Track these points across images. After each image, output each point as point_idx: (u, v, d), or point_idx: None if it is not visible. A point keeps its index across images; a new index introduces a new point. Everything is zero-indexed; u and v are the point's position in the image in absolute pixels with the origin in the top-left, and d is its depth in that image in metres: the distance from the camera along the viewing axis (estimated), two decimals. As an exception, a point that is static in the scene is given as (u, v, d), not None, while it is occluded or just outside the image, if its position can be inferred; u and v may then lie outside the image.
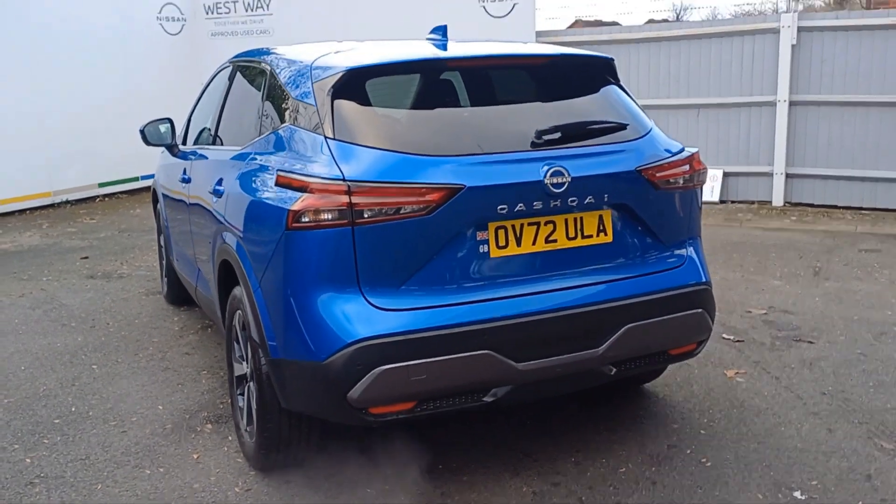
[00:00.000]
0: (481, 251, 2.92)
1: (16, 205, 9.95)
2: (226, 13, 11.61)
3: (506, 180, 2.88)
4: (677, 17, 44.00)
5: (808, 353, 4.62)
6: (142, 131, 4.98)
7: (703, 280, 3.37)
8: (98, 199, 10.85)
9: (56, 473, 3.46)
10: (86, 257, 7.61)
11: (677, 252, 3.33)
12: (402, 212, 2.79)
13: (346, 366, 2.77)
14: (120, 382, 4.46)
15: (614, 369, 3.17)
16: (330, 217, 2.76)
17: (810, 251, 7.01)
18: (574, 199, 2.98)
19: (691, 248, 3.41)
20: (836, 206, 8.79)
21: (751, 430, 3.70)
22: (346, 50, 3.40)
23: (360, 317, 2.80)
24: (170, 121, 5.05)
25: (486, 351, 2.86)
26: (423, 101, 3.17)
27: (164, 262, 5.90)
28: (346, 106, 3.01)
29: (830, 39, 8.55)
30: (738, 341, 4.83)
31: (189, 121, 5.10)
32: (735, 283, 6.08)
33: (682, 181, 3.31)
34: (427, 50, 3.39)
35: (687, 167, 3.32)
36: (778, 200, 9.06)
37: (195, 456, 3.58)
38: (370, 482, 3.27)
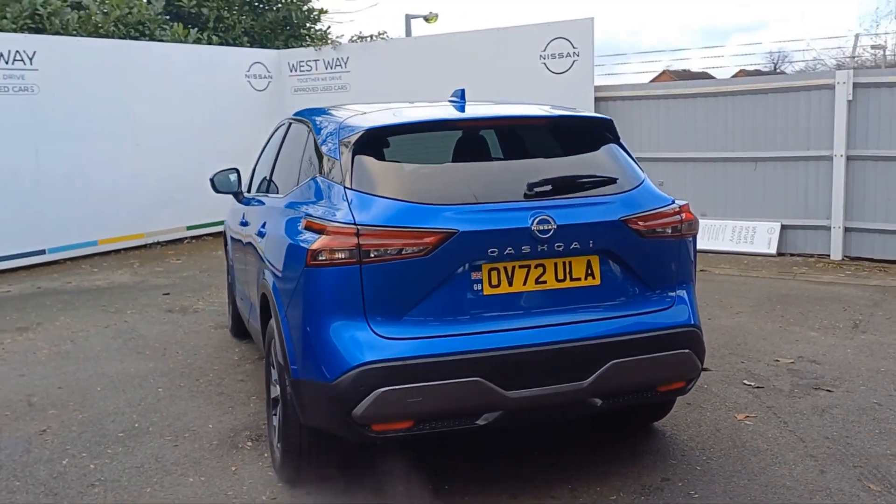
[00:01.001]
0: (476, 289, 3.30)
1: (112, 245, 10.88)
2: (307, 70, 12.46)
3: (496, 226, 3.27)
4: (774, 67, 43.50)
5: (824, 400, 4.75)
6: (211, 180, 5.57)
7: (691, 322, 3.63)
8: (185, 241, 11.71)
9: (113, 478, 3.96)
10: (167, 293, 8.32)
11: (666, 295, 3.62)
12: (403, 252, 3.21)
13: (351, 386, 3.17)
14: (179, 403, 4.98)
15: (601, 402, 3.46)
16: (342, 256, 3.20)
17: (856, 305, 7.05)
18: (560, 244, 3.33)
19: (681, 292, 3.68)
20: (894, 262, 8.73)
21: (745, 467, 3.89)
22: (372, 112, 3.88)
23: (366, 343, 3.21)
24: (237, 170, 5.63)
25: (476, 378, 3.22)
26: (430, 156, 3.61)
27: (230, 299, 6.48)
28: (364, 160, 3.47)
29: (887, 95, 8.60)
30: (757, 387, 5.00)
31: (253, 170, 5.69)
32: (770, 333, 6.21)
33: (670, 231, 3.62)
34: (441, 112, 3.84)
35: (675, 218, 3.62)
36: (836, 254, 9.06)
37: (234, 468, 4.03)
38: (382, 498, 3.62)
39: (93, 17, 11.29)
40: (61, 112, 10.14)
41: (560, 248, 3.34)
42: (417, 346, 3.22)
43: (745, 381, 5.10)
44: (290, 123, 4.93)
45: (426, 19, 14.29)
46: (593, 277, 3.45)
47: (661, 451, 4.11)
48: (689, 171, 9.92)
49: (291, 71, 12.65)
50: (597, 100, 10.20)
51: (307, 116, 4.49)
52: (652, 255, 3.58)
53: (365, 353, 3.20)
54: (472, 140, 3.78)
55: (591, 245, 3.40)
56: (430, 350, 3.22)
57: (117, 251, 10.90)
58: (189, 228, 11.78)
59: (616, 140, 3.86)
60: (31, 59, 9.84)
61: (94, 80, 10.44)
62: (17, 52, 9.73)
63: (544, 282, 3.38)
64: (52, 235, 10.22)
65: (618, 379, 3.43)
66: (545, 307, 3.39)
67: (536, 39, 10.37)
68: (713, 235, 9.64)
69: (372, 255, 3.20)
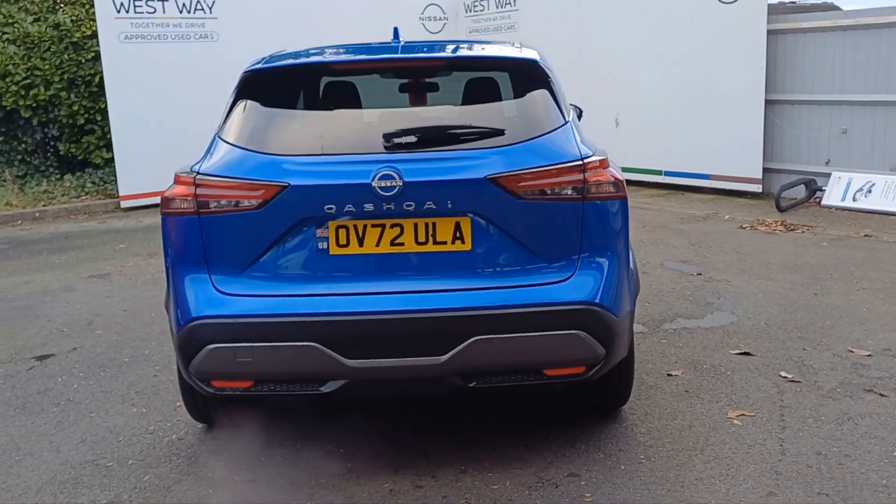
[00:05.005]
0: (321, 248, 3.05)
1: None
2: (480, 10, 12.20)
3: (332, 181, 2.97)
4: None
5: (864, 406, 3.83)
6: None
7: (590, 300, 3.06)
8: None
9: (79, 399, 4.29)
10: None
11: (561, 268, 3.08)
12: (238, 205, 3.05)
13: (186, 340, 3.10)
14: (198, 337, 5.24)
15: (472, 381, 3.07)
16: (183, 206, 3.11)
17: None
18: (410, 203, 2.96)
19: (588, 265, 3.11)
20: None
21: (678, 476, 3.27)
22: (281, 53, 3.66)
23: (204, 298, 3.11)
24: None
25: (312, 343, 3.00)
26: (296, 103, 3.35)
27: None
28: (239, 106, 3.31)
29: None
30: (792, 381, 4.16)
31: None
32: (878, 317, 5.10)
33: (570, 191, 3.05)
34: (330, 55, 3.49)
35: (573, 178, 3.04)
36: None
37: (178, 404, 4.15)
38: (267, 451, 3.54)
39: (277, -34, 11.89)
40: (239, 57, 10.81)
41: (411, 209, 2.97)
42: (254, 304, 3.07)
43: (783, 373, 4.26)
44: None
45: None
46: (462, 242, 3.04)
47: (598, 444, 3.57)
48: (880, 117, 8.36)
49: (467, 12, 12.46)
50: (770, 33, 8.87)
51: None
52: (540, 221, 3.05)
53: (201, 307, 3.10)
54: (355, 85, 3.44)
55: (449, 206, 2.98)
56: (266, 310, 3.05)
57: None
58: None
59: (542, 83, 3.30)
60: (210, 9, 10.67)
61: (269, 26, 11.01)
62: (198, 2, 10.59)
63: (402, 244, 3.04)
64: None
65: (482, 357, 3.01)
66: (401, 272, 3.06)
67: (706, -34, 9.21)
68: (901, 194, 8.08)
69: (211, 207, 3.08)
